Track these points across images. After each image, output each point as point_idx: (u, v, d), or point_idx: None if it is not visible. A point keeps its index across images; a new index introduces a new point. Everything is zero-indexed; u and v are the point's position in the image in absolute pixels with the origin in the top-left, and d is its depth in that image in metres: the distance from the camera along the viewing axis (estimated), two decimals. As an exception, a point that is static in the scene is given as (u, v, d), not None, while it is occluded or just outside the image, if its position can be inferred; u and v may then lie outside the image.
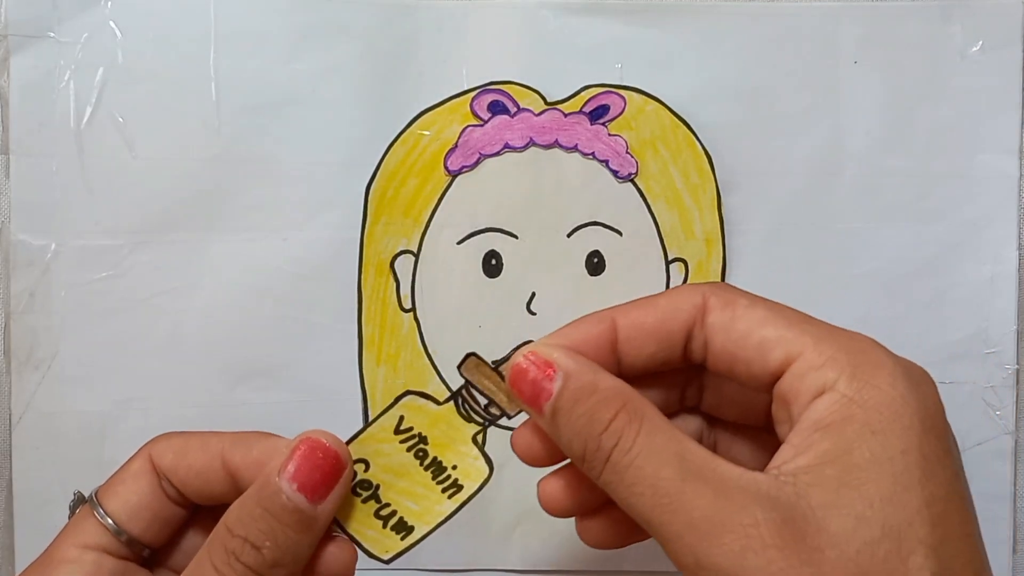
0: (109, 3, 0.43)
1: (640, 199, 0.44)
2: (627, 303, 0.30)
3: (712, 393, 0.32)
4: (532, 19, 0.43)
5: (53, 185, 0.43)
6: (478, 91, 0.43)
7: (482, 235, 0.44)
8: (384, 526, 0.31)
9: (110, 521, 0.32)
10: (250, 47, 0.43)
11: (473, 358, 0.31)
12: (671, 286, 0.44)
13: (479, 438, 0.31)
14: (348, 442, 0.31)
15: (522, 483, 0.44)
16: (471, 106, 0.43)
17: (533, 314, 0.44)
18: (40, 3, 0.43)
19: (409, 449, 0.32)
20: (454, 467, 0.31)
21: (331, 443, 0.30)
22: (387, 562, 0.31)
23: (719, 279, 0.44)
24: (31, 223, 0.43)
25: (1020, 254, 0.44)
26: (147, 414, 0.44)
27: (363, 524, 0.31)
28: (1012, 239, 0.44)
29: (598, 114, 0.43)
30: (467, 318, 0.44)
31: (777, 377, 0.28)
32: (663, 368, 0.31)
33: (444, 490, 0.31)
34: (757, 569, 0.25)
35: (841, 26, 0.44)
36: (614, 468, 0.27)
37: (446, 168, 0.44)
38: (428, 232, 0.44)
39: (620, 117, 0.43)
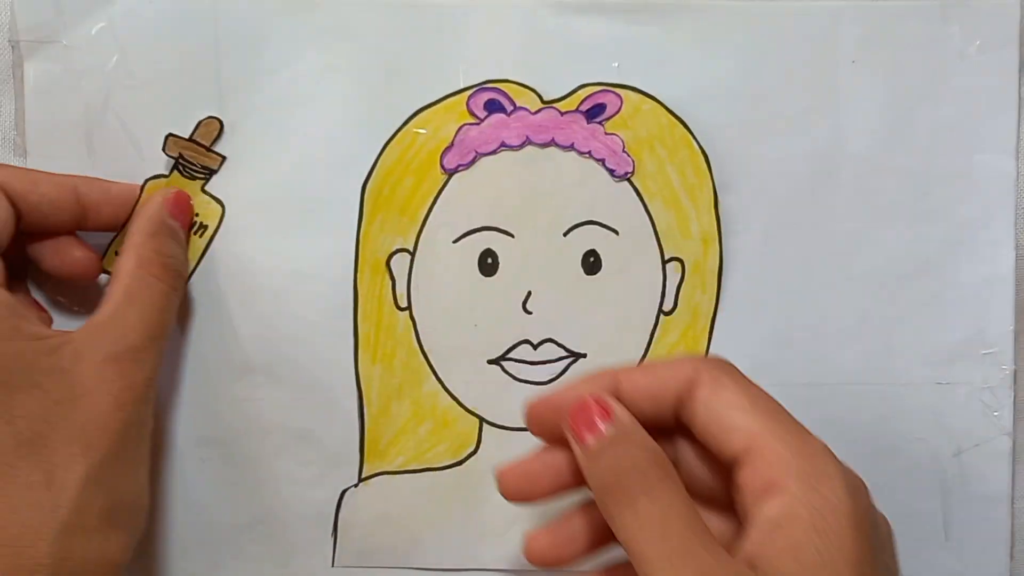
0: (114, 7, 0.43)
1: (637, 198, 0.44)
2: (631, 367, 0.35)
3: (684, 469, 0.36)
4: (529, 17, 0.43)
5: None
6: (474, 89, 0.43)
7: (478, 234, 0.44)
8: None
9: None
10: (250, 47, 0.43)
11: (171, 137, 0.42)
12: (667, 284, 0.44)
13: (206, 188, 0.42)
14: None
15: (518, 482, 0.44)
16: (467, 104, 0.43)
17: (529, 313, 0.44)
18: (46, 9, 0.43)
19: None
20: (197, 214, 0.42)
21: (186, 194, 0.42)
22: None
23: (716, 278, 0.44)
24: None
25: (1017, 254, 0.44)
26: (144, 412, 0.44)
27: None
28: (1009, 239, 0.44)
29: (595, 113, 0.43)
30: (463, 317, 0.44)
31: (736, 461, 0.32)
32: (657, 427, 0.34)
33: (195, 232, 0.42)
34: None
35: (840, 26, 0.44)
36: (635, 509, 0.31)
37: (442, 167, 0.44)
38: (424, 231, 0.44)
39: (617, 116, 0.43)
